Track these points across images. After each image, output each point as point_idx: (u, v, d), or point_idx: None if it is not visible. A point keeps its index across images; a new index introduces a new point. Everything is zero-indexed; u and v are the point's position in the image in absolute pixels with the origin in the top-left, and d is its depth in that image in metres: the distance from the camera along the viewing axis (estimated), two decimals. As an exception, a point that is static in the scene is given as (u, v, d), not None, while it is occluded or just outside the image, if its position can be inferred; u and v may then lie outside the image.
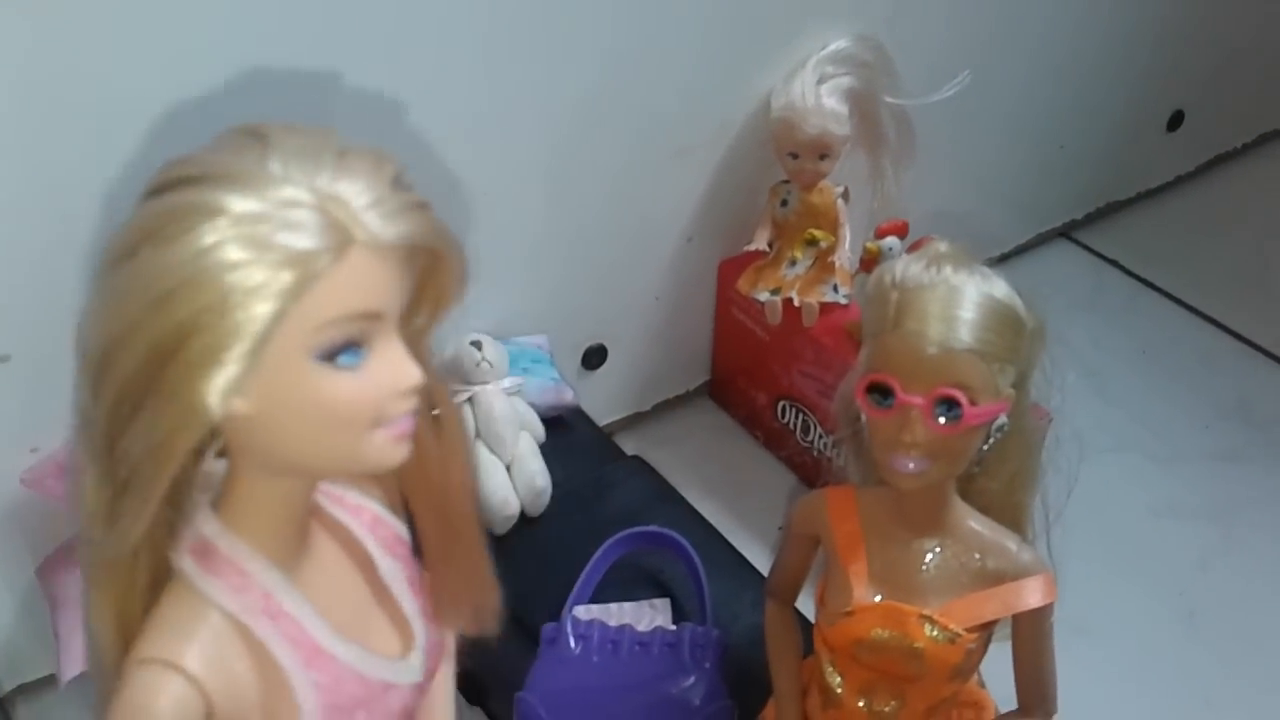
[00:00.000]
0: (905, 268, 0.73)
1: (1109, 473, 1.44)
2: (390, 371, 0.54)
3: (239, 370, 0.50)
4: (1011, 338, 0.73)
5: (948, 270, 0.72)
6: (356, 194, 0.51)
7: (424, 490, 0.66)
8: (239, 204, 0.49)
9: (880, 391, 0.72)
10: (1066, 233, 1.87)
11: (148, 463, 0.51)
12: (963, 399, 0.70)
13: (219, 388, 0.50)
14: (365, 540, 0.65)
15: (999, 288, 0.73)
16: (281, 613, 0.57)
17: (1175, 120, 1.87)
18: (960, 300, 0.71)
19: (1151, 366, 1.64)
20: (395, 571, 0.65)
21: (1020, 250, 1.82)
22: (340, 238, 0.50)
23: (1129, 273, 1.80)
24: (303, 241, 0.49)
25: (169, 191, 0.51)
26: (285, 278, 0.49)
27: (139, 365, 0.50)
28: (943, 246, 0.75)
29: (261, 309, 0.49)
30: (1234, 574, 1.35)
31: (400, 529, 0.67)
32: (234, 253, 0.49)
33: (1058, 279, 1.76)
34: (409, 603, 0.66)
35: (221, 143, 0.53)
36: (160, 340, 0.49)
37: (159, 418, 0.50)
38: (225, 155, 0.51)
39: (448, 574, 0.69)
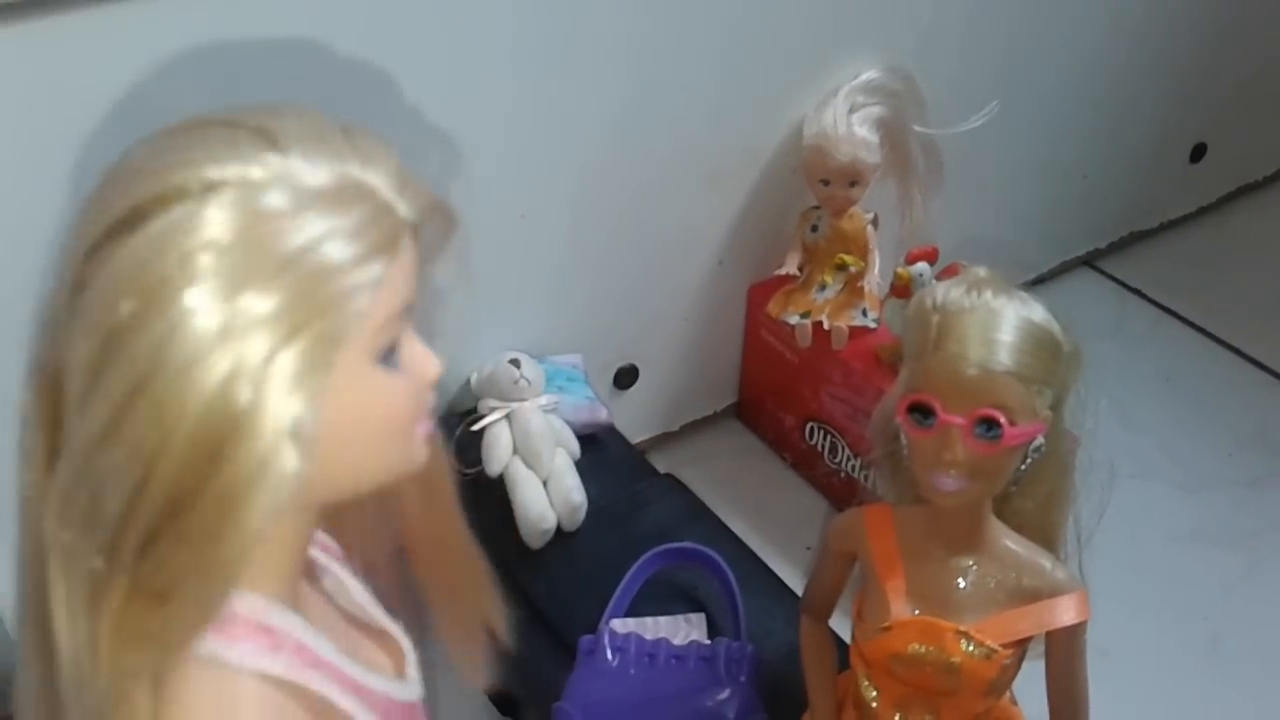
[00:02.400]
0: (946, 292, 0.75)
1: (1132, 499, 1.45)
2: (419, 363, 0.51)
3: (315, 389, 0.45)
4: (1049, 361, 0.75)
5: (988, 295, 0.74)
6: (385, 176, 0.47)
7: (421, 514, 0.62)
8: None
9: (921, 411, 0.75)
10: (1090, 261, 1.89)
11: (220, 548, 0.44)
12: (1002, 419, 0.72)
13: (299, 414, 0.44)
14: (330, 566, 0.59)
15: (1037, 312, 0.75)
16: (320, 661, 0.51)
17: (1198, 152, 1.89)
18: (1000, 324, 0.73)
19: (1174, 394, 1.65)
20: (363, 591, 0.60)
21: (1044, 278, 1.84)
22: (396, 229, 0.46)
23: (1151, 301, 1.82)
24: (376, 237, 0.45)
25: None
26: (368, 275, 0.45)
27: (197, 427, 0.43)
28: (982, 272, 0.77)
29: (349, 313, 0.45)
30: (1258, 600, 1.36)
31: (337, 546, 0.62)
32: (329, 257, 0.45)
33: (1081, 307, 1.78)
34: (387, 619, 0.61)
35: (222, 143, 0.45)
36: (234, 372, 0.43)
37: (234, 479, 0.43)
38: (237, 159, 0.45)
39: (458, 606, 0.66)
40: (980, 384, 0.73)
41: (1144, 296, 1.83)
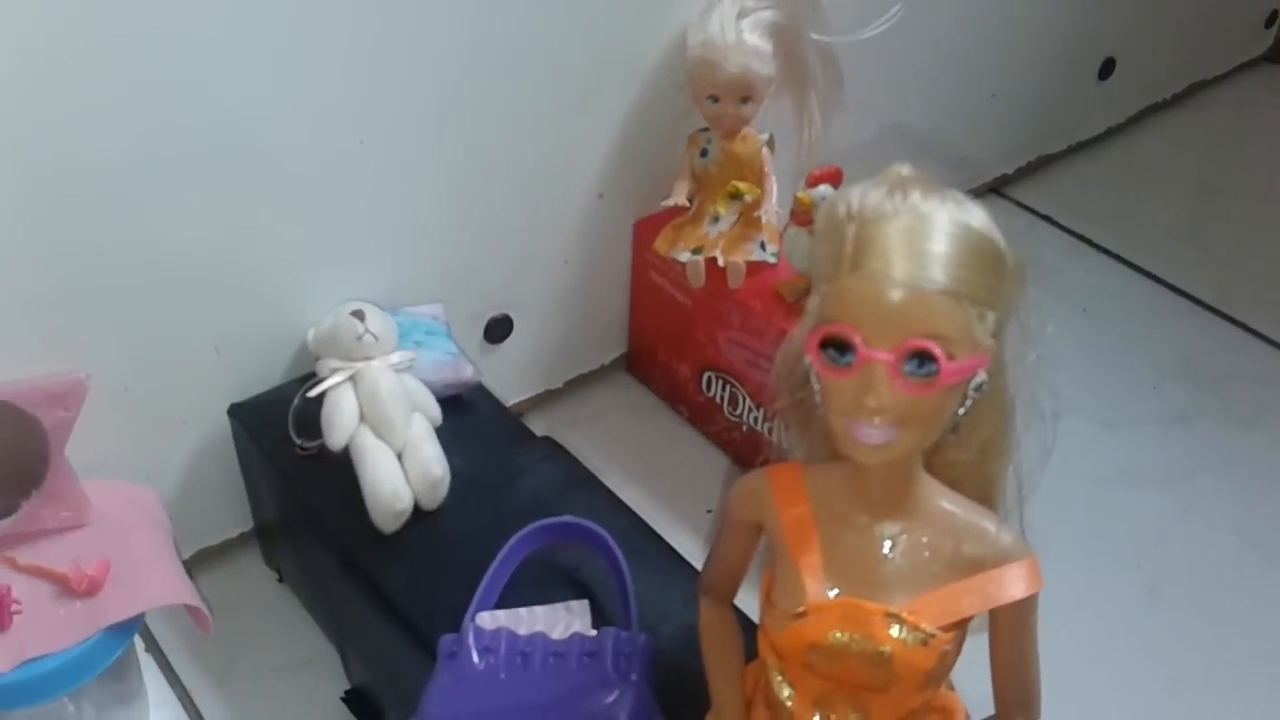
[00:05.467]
0: (863, 196, 0.61)
1: (1056, 440, 1.34)
2: None
3: None
4: (992, 276, 0.61)
5: (915, 196, 0.60)
6: None
7: None
8: None
9: (837, 347, 0.60)
10: (998, 189, 1.78)
11: None
12: (937, 352, 0.58)
13: None
14: None
15: (976, 216, 0.61)
16: None
17: (1107, 68, 1.79)
18: (930, 231, 0.59)
19: (1093, 326, 1.55)
20: None
21: (951, 208, 1.71)
22: None
23: (1064, 229, 1.72)
24: None
25: None
26: None
27: None
28: (905, 170, 0.62)
29: None
30: (1193, 543, 1.26)
31: None
32: None
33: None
34: None
35: None
36: None
37: None
38: None
39: None
40: (909, 308, 0.58)
41: (1056, 224, 1.73)
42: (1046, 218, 1.73)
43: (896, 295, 0.58)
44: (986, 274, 0.60)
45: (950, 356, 0.59)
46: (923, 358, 0.58)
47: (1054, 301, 1.56)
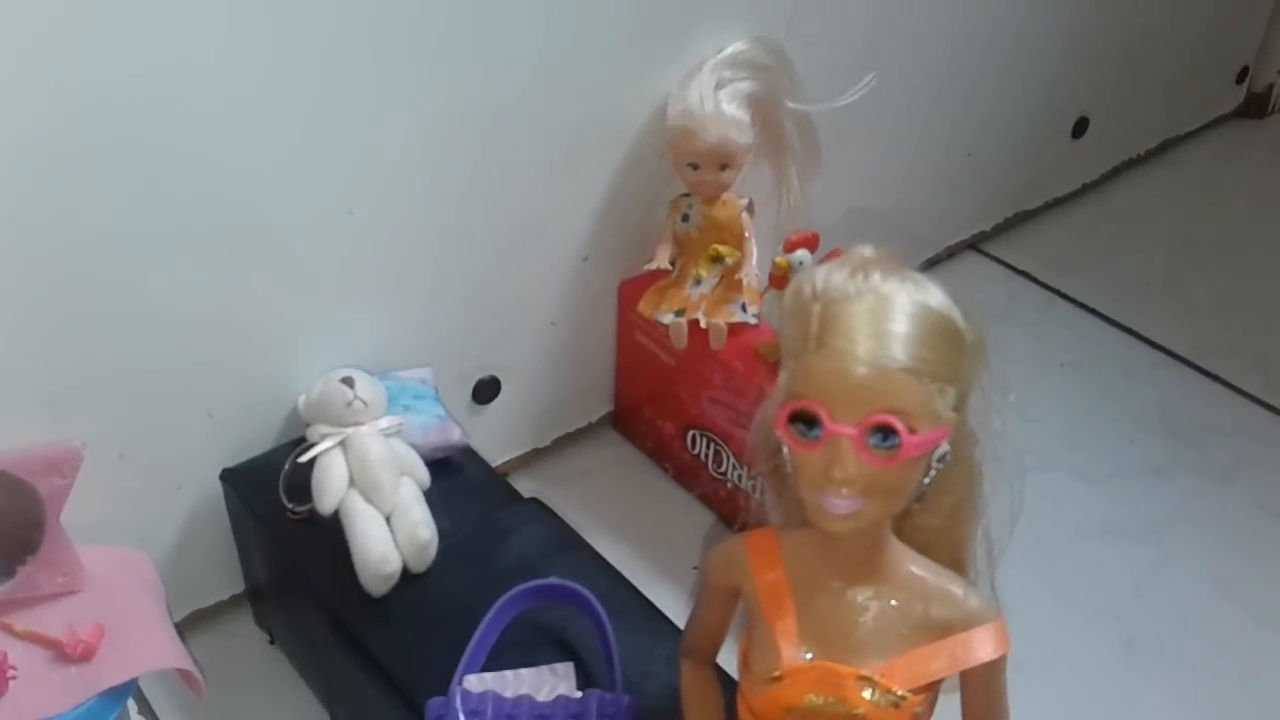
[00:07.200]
0: (827, 277, 0.64)
1: (1034, 494, 1.35)
2: None
3: None
4: (951, 353, 0.64)
5: (875, 278, 0.63)
6: None
7: None
8: None
9: (804, 421, 0.62)
10: (975, 245, 1.82)
11: None
12: (900, 426, 0.61)
13: None
14: None
15: (934, 296, 0.64)
16: None
17: (1080, 127, 1.83)
18: (891, 311, 0.62)
19: (1070, 380, 1.58)
20: None
21: (929, 264, 1.75)
22: None
23: (1041, 284, 1.75)
24: None
25: None
26: None
27: None
28: (868, 251, 0.65)
29: None
30: (1170, 596, 1.28)
31: None
32: None
33: (969, 293, 1.69)
34: None
35: None
36: None
37: None
38: None
39: None
40: (872, 385, 0.61)
41: (1033, 279, 1.76)
42: (1024, 273, 1.77)
43: (860, 372, 0.61)
44: (946, 351, 0.63)
45: (912, 430, 0.61)
46: (886, 432, 0.61)
47: (1032, 356, 1.61)
